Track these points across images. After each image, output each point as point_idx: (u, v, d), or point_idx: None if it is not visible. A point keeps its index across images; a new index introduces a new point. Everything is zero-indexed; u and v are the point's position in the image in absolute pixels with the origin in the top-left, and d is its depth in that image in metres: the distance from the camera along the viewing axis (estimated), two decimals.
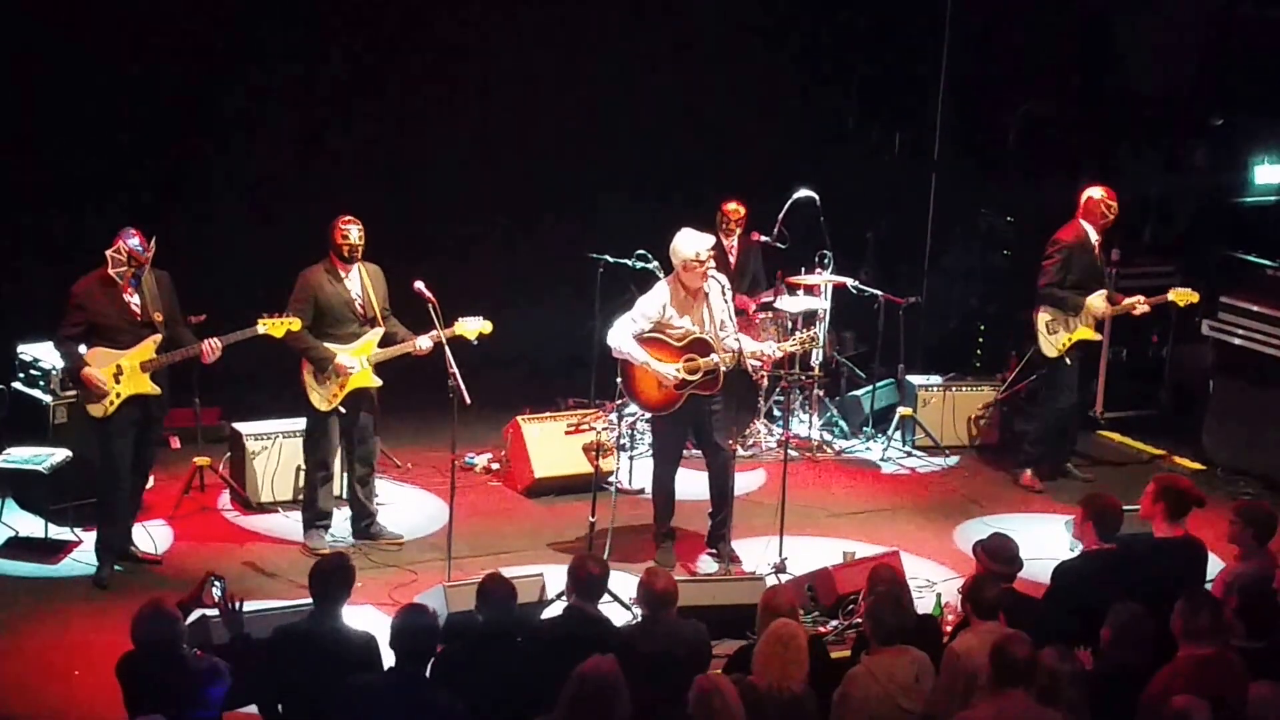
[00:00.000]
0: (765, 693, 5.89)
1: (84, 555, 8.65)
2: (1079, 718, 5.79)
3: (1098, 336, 10.20)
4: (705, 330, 8.59)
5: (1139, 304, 10.11)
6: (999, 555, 6.93)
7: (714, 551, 8.86)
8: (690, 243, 8.53)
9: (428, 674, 5.97)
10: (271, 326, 8.49)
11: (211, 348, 8.38)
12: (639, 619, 6.81)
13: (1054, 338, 10.12)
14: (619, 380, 8.98)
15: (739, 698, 5.73)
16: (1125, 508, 7.42)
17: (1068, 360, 10.12)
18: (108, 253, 8.19)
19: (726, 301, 8.67)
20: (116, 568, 8.47)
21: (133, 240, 8.19)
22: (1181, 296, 10.10)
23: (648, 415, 10.11)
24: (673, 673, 5.84)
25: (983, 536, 7.23)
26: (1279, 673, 6.05)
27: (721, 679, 5.87)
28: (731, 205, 10.78)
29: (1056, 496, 10.22)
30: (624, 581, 7.90)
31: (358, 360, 8.75)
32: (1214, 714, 5.54)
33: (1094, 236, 10.04)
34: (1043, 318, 10.12)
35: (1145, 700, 5.92)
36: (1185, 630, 6.14)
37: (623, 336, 8.62)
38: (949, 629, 7.18)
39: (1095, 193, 10.04)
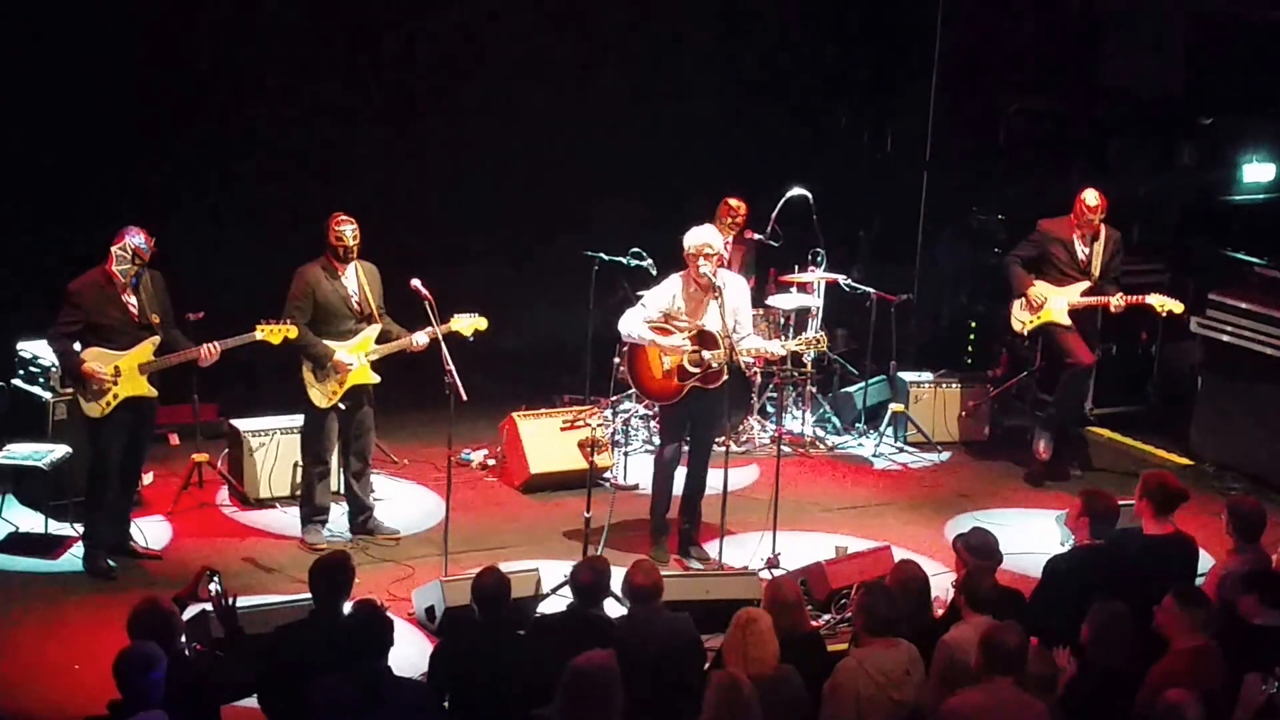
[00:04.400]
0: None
1: (82, 551, 8.70)
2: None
3: (1066, 321, 10.23)
4: (716, 326, 8.66)
5: (1117, 299, 10.14)
6: (979, 549, 7.03)
7: (688, 562, 8.91)
8: (689, 237, 8.64)
9: (429, 665, 6.03)
10: (269, 333, 8.55)
11: (209, 352, 8.45)
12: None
13: (1023, 314, 10.36)
14: (623, 368, 9.05)
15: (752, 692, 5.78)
16: (1120, 503, 7.52)
17: (1026, 337, 10.47)
18: (113, 249, 8.21)
19: (736, 300, 8.69)
20: (111, 563, 8.53)
21: (138, 238, 8.23)
22: (1163, 303, 10.08)
23: (642, 411, 10.22)
24: (659, 664, 5.90)
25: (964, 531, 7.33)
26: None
27: (740, 674, 5.92)
28: (734, 201, 10.86)
29: (1047, 491, 10.30)
30: (618, 577, 7.96)
31: (356, 357, 8.82)
32: (1206, 704, 5.62)
33: (1076, 235, 10.17)
34: (1019, 291, 10.35)
35: (1144, 696, 5.98)
36: (1181, 625, 6.21)
37: (633, 322, 8.73)
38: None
39: (1083, 195, 10.17)
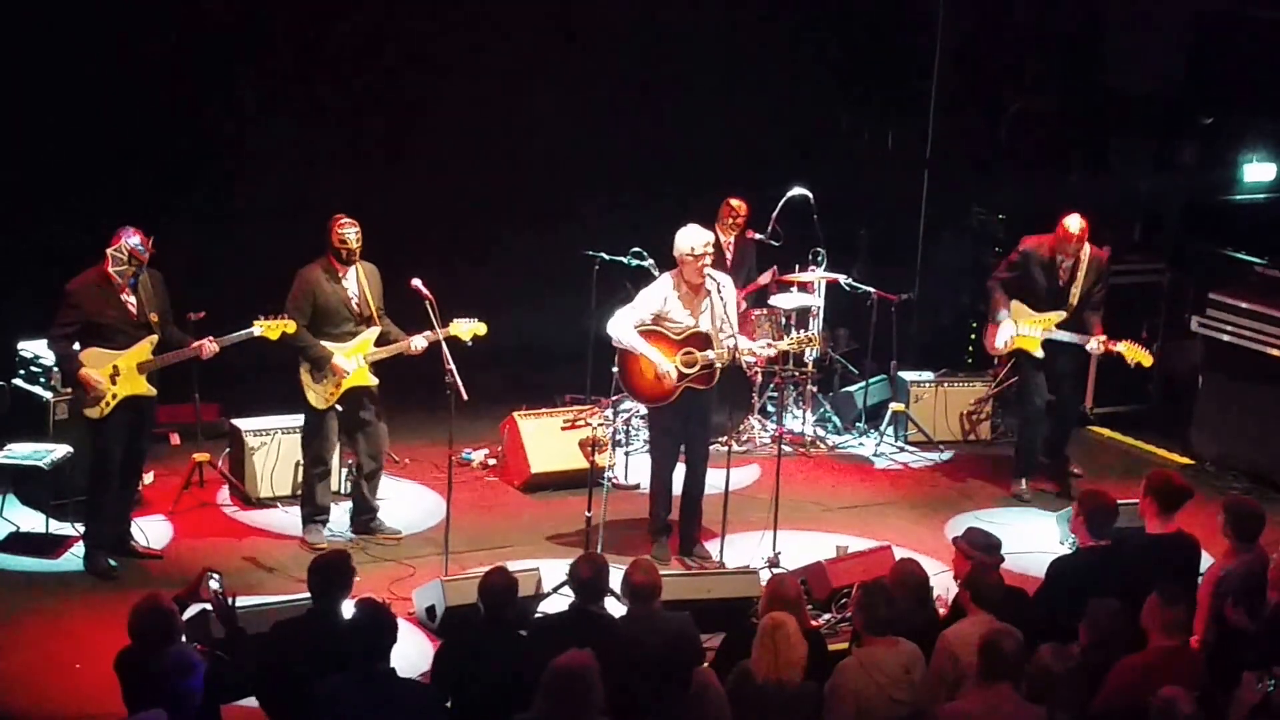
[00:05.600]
0: (763, 684, 5.97)
1: (83, 551, 8.69)
2: (1069, 716, 5.85)
3: (1038, 353, 9.98)
4: (705, 326, 8.67)
5: (1095, 342, 9.82)
6: (983, 546, 7.04)
7: (689, 561, 8.91)
8: (687, 237, 8.63)
9: (433, 666, 6.02)
10: (267, 329, 8.56)
11: (207, 348, 8.45)
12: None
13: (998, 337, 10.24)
14: (616, 370, 9.06)
15: (725, 693, 5.80)
16: (1120, 502, 7.52)
17: (996, 360, 10.23)
18: (108, 251, 8.21)
19: (725, 300, 8.74)
20: (112, 562, 8.54)
21: (133, 239, 8.23)
22: (1132, 353, 9.80)
23: (643, 410, 10.21)
24: (657, 664, 5.91)
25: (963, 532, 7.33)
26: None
27: (711, 675, 5.94)
28: (735, 201, 10.89)
29: (1046, 493, 10.29)
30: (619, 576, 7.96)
31: (354, 359, 8.82)
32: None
33: (1060, 258, 9.90)
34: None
35: (1110, 688, 5.99)
36: (1161, 623, 6.22)
37: (623, 327, 8.72)
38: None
39: (1066, 221, 9.84)
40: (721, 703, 5.71)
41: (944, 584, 8.00)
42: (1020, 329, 10.00)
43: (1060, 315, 9.95)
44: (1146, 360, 9.89)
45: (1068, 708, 5.81)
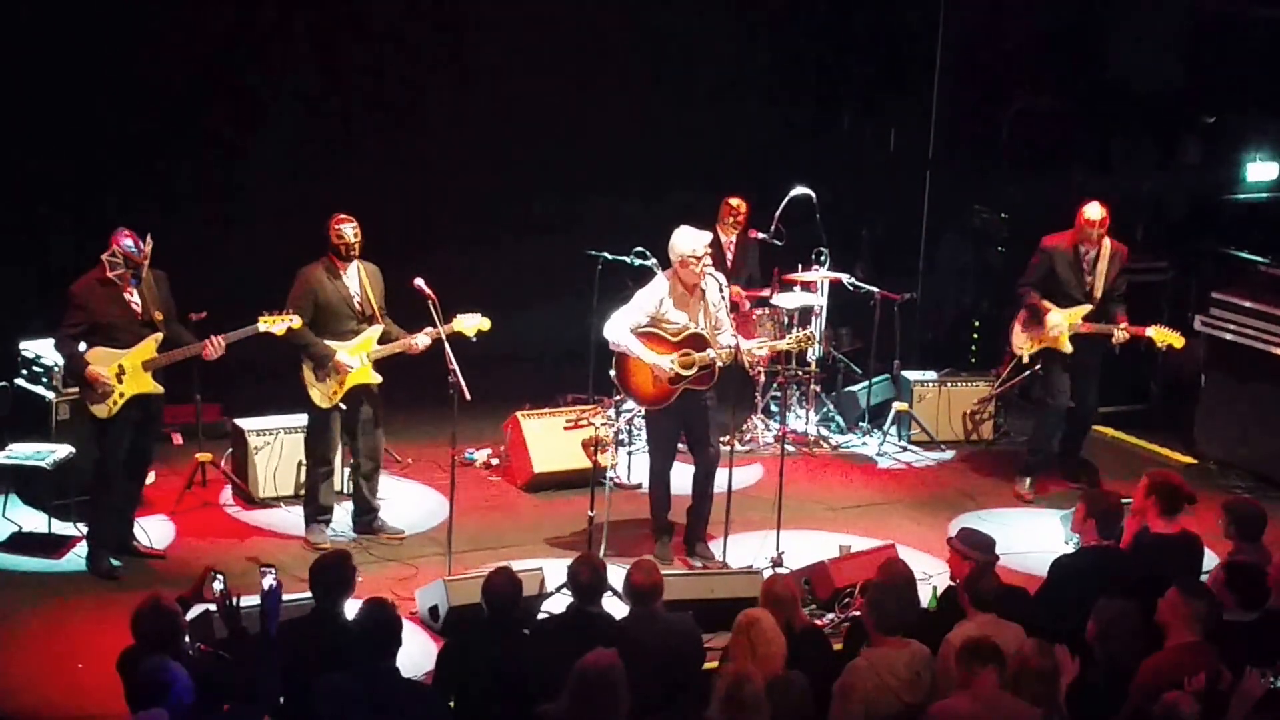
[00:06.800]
0: None
1: (86, 550, 8.70)
2: (1050, 713, 5.83)
3: (1067, 348, 9.96)
4: (701, 326, 8.68)
5: (1118, 331, 9.82)
6: (979, 544, 7.04)
7: (692, 560, 8.89)
8: (687, 240, 8.61)
9: (436, 665, 6.01)
10: (272, 323, 8.55)
11: (214, 346, 8.45)
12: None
13: (1025, 335, 10.16)
14: (613, 373, 9.06)
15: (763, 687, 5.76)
16: (1122, 500, 7.53)
17: (1026, 359, 10.16)
18: (104, 257, 8.21)
19: (723, 299, 8.76)
20: (115, 562, 8.54)
21: (126, 241, 8.22)
22: (1163, 337, 9.80)
23: (643, 410, 10.21)
24: (661, 664, 5.90)
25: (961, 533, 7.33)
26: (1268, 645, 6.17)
27: (752, 669, 5.90)
28: (735, 200, 10.89)
29: (1049, 492, 10.27)
30: (620, 576, 7.95)
31: (357, 358, 8.81)
32: (1204, 696, 5.63)
33: (1083, 249, 9.90)
34: (1021, 314, 10.19)
35: (1137, 688, 5.99)
36: (1183, 617, 6.21)
37: (619, 329, 8.70)
38: None
39: (1085, 209, 9.84)
40: (760, 697, 5.65)
41: (946, 583, 8.00)
42: (1051, 329, 9.95)
43: (1086, 308, 9.95)
44: (1179, 342, 9.86)
45: (1045, 705, 5.79)
